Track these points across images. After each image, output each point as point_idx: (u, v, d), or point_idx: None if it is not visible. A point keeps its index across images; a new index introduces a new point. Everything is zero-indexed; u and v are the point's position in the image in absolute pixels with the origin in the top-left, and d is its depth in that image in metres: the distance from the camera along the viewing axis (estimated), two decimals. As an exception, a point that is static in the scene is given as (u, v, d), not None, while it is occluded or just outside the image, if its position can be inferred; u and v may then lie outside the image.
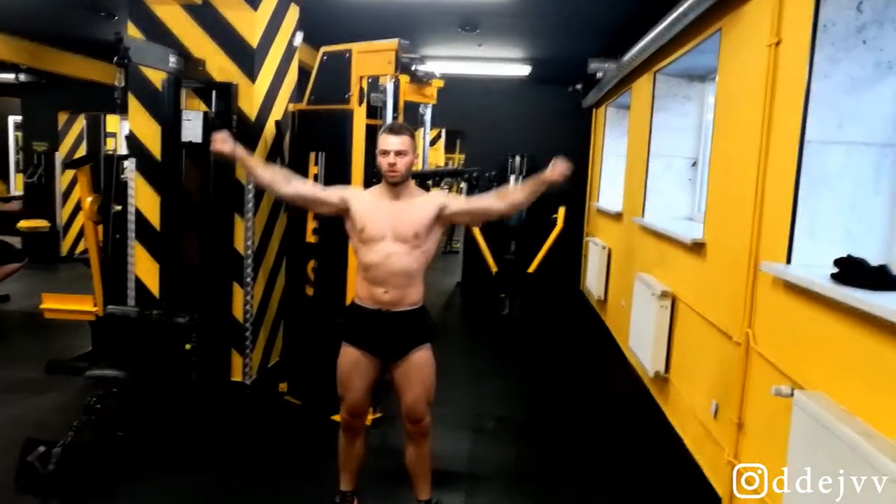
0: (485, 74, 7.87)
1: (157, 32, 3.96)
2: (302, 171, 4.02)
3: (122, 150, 10.18)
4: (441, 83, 4.80)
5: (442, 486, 2.87)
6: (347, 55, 3.76)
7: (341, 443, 2.74)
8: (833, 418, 1.90)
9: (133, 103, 4.01)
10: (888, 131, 2.39)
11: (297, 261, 4.13)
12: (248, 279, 4.06)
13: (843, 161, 2.40)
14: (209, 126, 3.84)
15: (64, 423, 3.17)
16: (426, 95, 4.82)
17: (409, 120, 4.83)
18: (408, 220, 2.52)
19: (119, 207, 4.15)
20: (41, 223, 7.87)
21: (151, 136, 3.96)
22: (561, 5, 4.80)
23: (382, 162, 2.51)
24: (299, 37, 4.47)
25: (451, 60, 7.10)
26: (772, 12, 2.73)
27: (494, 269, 6.85)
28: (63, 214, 9.16)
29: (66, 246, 9.22)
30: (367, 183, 3.95)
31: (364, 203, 2.59)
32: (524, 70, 7.46)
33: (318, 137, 3.98)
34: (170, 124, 3.85)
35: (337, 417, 3.75)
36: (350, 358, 2.61)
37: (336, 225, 3.83)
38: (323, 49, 3.89)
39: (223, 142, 2.63)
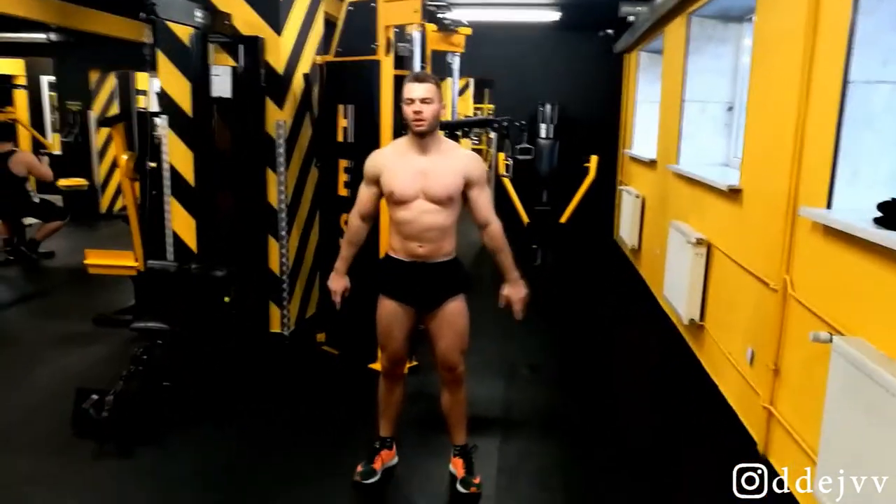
0: (513, 21, 7.69)
1: (183, -14, 3.94)
2: (331, 124, 4.03)
3: (154, 107, 10.28)
4: (469, 31, 4.73)
5: (476, 432, 2.93)
6: (373, 5, 3.71)
7: (381, 390, 2.80)
8: (873, 363, 1.88)
9: (162, 60, 4.02)
10: (937, 68, 2.29)
11: (330, 214, 4.17)
12: (283, 232, 4.12)
13: (887, 101, 2.32)
14: (238, 81, 3.85)
15: (111, 374, 3.32)
16: (454, 44, 4.75)
17: (437, 70, 4.77)
18: (440, 182, 2.47)
19: (154, 164, 4.21)
20: (80, 181, 8.02)
21: (181, 92, 3.98)
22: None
23: (408, 111, 2.44)
24: (325, -13, 4.41)
25: (478, 7, 6.95)
26: (815, -55, 2.61)
27: (526, 219, 6.81)
28: (100, 172, 9.34)
29: (104, 203, 9.43)
30: (396, 134, 3.94)
31: (389, 164, 2.54)
32: (554, 15, 7.28)
33: (345, 90, 3.96)
34: (199, 80, 3.85)
35: (375, 366, 3.87)
36: (388, 310, 2.64)
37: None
38: (349, -1, 3.84)
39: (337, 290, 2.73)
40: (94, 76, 9.10)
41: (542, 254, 6.79)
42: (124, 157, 4.32)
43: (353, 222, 2.70)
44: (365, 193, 2.64)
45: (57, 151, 9.75)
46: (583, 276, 6.89)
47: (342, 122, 3.99)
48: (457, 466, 2.75)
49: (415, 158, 2.50)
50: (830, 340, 2.15)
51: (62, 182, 7.83)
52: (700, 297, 4.01)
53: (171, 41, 3.95)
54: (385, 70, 3.75)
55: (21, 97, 11.53)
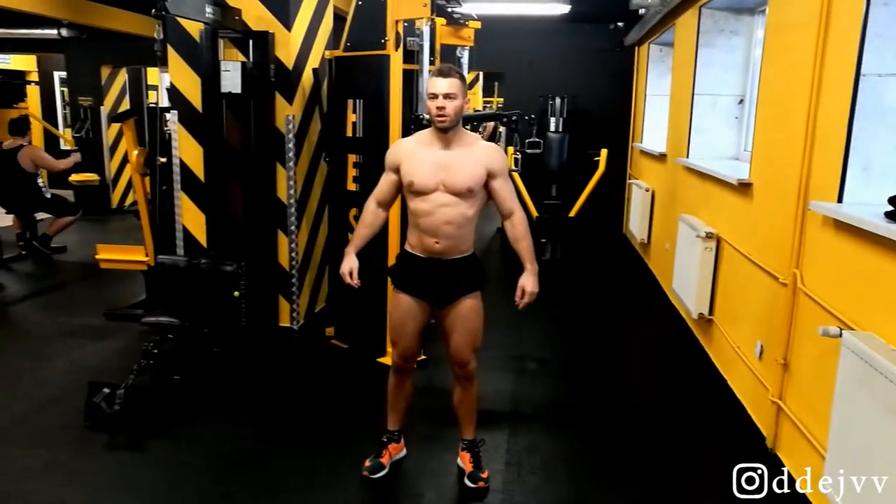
0: (522, 14, 7.66)
1: (193, -18, 3.95)
2: (340, 118, 4.03)
3: (164, 102, 10.33)
4: (478, 25, 4.72)
5: (485, 426, 2.94)
6: (382, -1, 3.71)
7: (391, 384, 2.81)
8: (883, 358, 1.87)
9: (172, 55, 4.04)
10: (951, 62, 2.27)
11: (339, 209, 4.18)
12: (293, 227, 4.14)
13: (901, 94, 2.30)
14: (248, 76, 3.86)
15: (123, 367, 3.36)
16: (463, 38, 4.74)
17: (447, 63, 4.77)
18: (461, 174, 2.45)
19: (164, 160, 4.23)
20: (91, 177, 8.07)
21: (192, 88, 4.00)
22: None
23: (431, 106, 2.43)
24: (334, -18, 4.41)
25: (487, 0, 6.92)
26: (827, -64, 2.58)
27: (535, 213, 6.81)
28: (111, 168, 9.40)
29: (115, 198, 9.49)
30: (406, 130, 3.95)
31: (410, 154, 2.54)
32: (563, 8, 7.23)
33: (355, 84, 3.97)
34: (209, 75, 3.87)
35: (385, 360, 3.88)
36: (402, 304, 2.63)
37: (375, 173, 3.88)
38: (358, -7, 3.84)
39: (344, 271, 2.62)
40: (105, 72, 9.15)
41: (552, 248, 6.79)
42: (135, 152, 4.35)
43: (369, 206, 2.70)
44: (384, 180, 2.66)
45: (69, 147, 9.84)
46: (592, 270, 6.88)
47: (351, 117, 4.00)
48: (464, 461, 2.76)
49: (437, 151, 2.49)
50: (840, 335, 2.14)
51: (74, 177, 7.89)
52: (709, 291, 4.00)
53: (182, 37, 3.97)
54: (394, 64, 3.75)
55: (33, 93, 11.63)
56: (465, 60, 4.94)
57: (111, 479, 2.75)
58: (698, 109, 4.85)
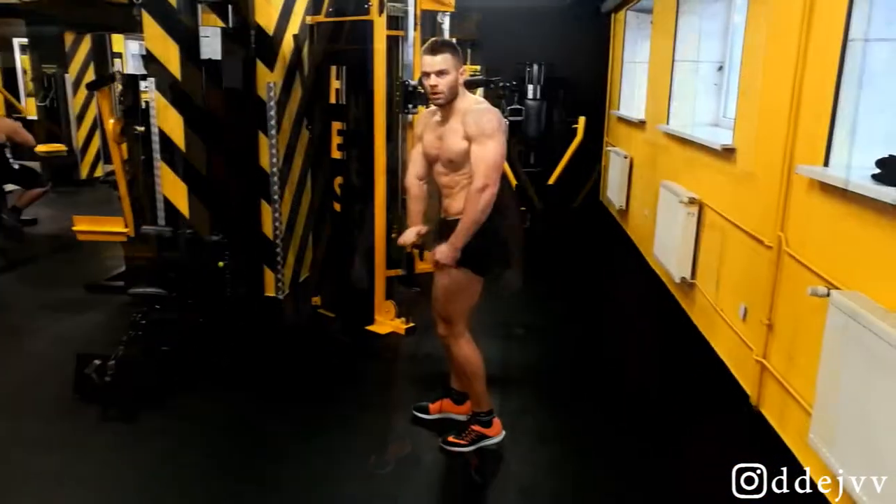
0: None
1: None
2: (323, 85, 3.97)
3: (129, 69, 10.02)
4: (458, -11, 4.65)
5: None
6: (366, -37, 3.64)
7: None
8: (871, 315, 1.95)
9: (148, 21, 3.91)
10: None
11: (324, 177, 4.14)
12: (276, 196, 4.09)
13: (888, 59, 2.34)
14: (227, 42, 3.77)
15: (107, 340, 3.33)
16: (444, 3, 4.67)
17: (428, 29, 4.71)
18: (446, 147, 2.52)
19: (141, 129, 4.13)
20: (59, 147, 7.86)
21: (169, 54, 3.89)
22: None
23: (425, 84, 2.48)
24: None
25: (465, -35, 6.82)
26: None
27: (514, 181, 6.81)
28: (78, 138, 9.13)
29: (84, 169, 9.24)
30: (390, 96, 3.91)
31: (425, 126, 2.67)
32: (541, -27, 7.18)
33: (337, 51, 3.90)
34: (187, 42, 3.77)
35: (373, 328, 3.92)
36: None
37: (361, 141, 3.85)
38: (340, -43, 3.75)
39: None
40: (69, 38, 8.83)
41: (530, 216, 6.81)
42: (111, 121, 4.24)
43: (410, 181, 2.77)
44: (415, 152, 2.75)
45: (32, 116, 9.53)
46: (571, 237, 6.94)
47: (335, 84, 3.94)
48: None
49: (437, 124, 2.60)
50: (828, 295, 2.21)
51: (40, 148, 7.66)
52: (691, 255, 4.07)
53: (158, 2, 3.85)
54: (378, 30, 3.70)
55: (-9, 61, 11.22)
56: (445, 26, 4.87)
57: (105, 450, 2.74)
58: (678, 76, 4.88)
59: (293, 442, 2.82)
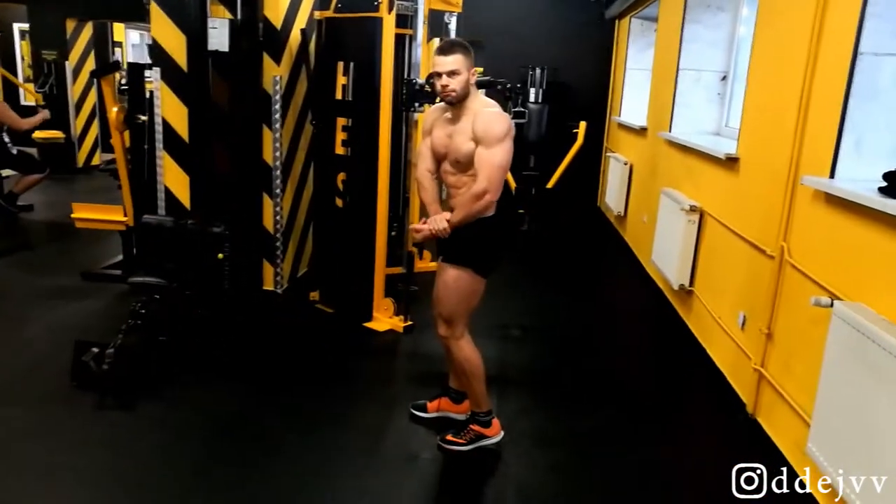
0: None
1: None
2: (329, 81, 3.97)
3: (130, 58, 9.97)
4: (466, -10, 4.66)
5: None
6: (376, -40, 3.64)
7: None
8: (875, 326, 1.96)
9: (155, 11, 3.90)
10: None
11: (326, 173, 4.14)
12: (278, 190, 4.09)
13: (894, 73, 2.36)
14: (236, 34, 3.76)
15: (104, 328, 3.32)
16: (451, 3, 4.68)
17: (434, 29, 4.72)
18: (456, 148, 2.51)
19: (144, 118, 4.12)
20: (57, 134, 7.81)
21: (176, 45, 3.87)
22: None
23: (436, 84, 2.48)
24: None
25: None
26: (829, -87, 2.62)
27: (514, 184, 6.83)
28: (77, 125, 9.08)
29: (81, 157, 9.19)
30: (397, 95, 3.91)
31: (434, 122, 2.66)
32: (547, -23, 7.20)
33: (345, 47, 3.91)
34: (195, 33, 3.76)
35: (371, 325, 3.92)
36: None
37: (366, 138, 3.85)
38: (351, -47, 3.75)
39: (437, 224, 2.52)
40: (70, 25, 8.78)
41: (529, 218, 6.84)
42: (114, 109, 4.22)
43: (421, 173, 2.73)
44: (423, 146, 2.73)
45: (30, 102, 9.47)
46: (568, 241, 6.96)
47: (341, 80, 3.95)
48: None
49: (448, 122, 2.59)
50: (831, 305, 2.23)
51: (38, 134, 7.62)
52: (690, 263, 4.09)
53: (167, -9, 3.84)
54: (387, 28, 3.70)
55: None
56: (452, 27, 4.88)
57: (102, 439, 2.72)
58: (682, 85, 4.91)
59: (288, 436, 2.81)
